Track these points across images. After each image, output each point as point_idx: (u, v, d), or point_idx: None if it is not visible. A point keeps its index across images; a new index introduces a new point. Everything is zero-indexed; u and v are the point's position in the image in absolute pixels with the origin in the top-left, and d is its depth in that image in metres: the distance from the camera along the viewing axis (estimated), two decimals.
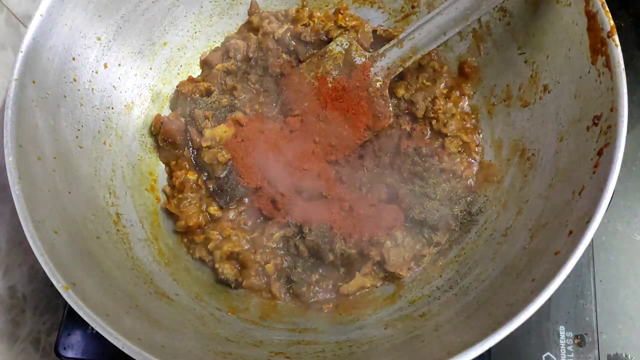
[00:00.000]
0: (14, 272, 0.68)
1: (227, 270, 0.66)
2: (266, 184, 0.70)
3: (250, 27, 0.78)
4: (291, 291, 0.66)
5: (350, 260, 0.65)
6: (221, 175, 0.69)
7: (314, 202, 0.69)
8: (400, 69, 0.68)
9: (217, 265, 0.66)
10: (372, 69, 0.69)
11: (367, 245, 0.64)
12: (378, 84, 0.68)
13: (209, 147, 0.69)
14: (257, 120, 0.74)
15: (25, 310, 0.71)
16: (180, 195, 0.69)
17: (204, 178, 0.71)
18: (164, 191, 0.72)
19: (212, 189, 0.70)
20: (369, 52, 0.70)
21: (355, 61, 0.70)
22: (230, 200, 0.69)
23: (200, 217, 0.68)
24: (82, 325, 0.65)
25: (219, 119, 0.72)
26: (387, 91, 0.69)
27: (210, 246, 0.66)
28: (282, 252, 0.67)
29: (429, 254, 0.66)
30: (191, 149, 0.72)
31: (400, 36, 0.66)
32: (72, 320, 0.65)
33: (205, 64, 0.78)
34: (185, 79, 0.76)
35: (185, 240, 0.69)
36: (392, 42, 0.67)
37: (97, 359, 0.64)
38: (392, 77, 0.69)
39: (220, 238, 0.67)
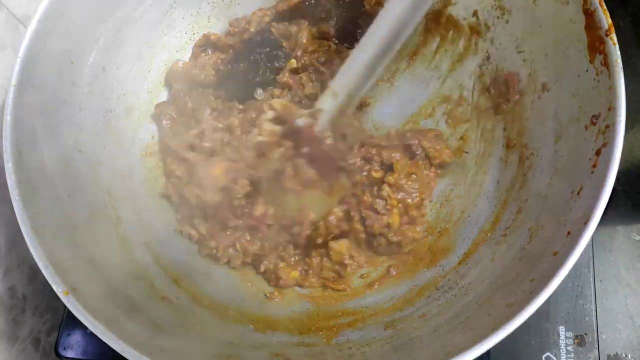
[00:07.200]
0: (14, 272, 0.68)
1: None
2: None
3: None
4: None
5: None
6: None
7: None
8: (343, 119, 0.63)
9: None
10: (316, 127, 0.62)
11: None
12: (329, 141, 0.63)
13: None
14: None
15: (25, 310, 0.71)
16: None
17: None
18: None
19: None
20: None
21: (297, 124, 0.62)
22: None
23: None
24: (82, 325, 0.64)
25: None
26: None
27: None
28: None
29: None
30: None
31: (330, 84, 0.61)
32: (72, 320, 0.66)
33: (207, 40, 0.76)
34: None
35: None
36: (325, 93, 0.62)
37: (97, 359, 0.64)
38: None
39: None
